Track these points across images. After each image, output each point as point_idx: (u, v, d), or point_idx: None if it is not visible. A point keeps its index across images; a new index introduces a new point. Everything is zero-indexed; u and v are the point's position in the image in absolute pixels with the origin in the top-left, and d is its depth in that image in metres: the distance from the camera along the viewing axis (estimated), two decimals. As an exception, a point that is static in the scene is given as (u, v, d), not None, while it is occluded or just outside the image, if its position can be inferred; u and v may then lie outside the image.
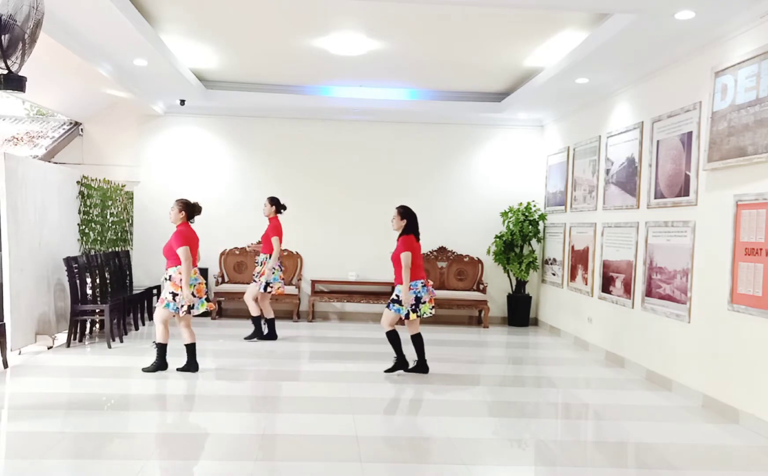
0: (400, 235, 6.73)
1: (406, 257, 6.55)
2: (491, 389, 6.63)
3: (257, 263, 8.58)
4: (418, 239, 6.74)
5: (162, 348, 6.62)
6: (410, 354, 6.97)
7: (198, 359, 6.76)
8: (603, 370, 7.48)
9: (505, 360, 8.31)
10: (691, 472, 4.44)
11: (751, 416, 5.33)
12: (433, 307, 6.77)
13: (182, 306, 6.45)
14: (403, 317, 6.67)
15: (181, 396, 5.94)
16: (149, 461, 4.26)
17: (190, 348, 6.66)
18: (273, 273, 8.37)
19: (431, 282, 6.99)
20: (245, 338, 8.54)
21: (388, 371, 6.90)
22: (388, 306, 6.72)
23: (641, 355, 7.18)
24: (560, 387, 6.82)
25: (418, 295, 6.62)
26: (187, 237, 6.50)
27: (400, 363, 6.88)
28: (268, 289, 8.36)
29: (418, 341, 6.86)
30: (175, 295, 6.46)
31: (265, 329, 8.62)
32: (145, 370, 6.60)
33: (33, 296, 7.41)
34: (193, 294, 6.47)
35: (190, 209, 6.70)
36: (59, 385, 6.23)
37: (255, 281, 8.45)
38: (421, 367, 6.91)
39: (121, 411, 5.52)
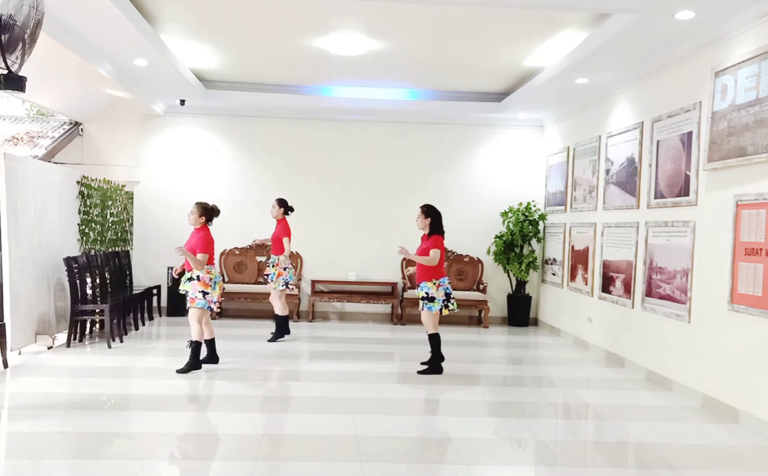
0: (430, 234, 6.88)
1: (435, 253, 6.73)
2: (491, 389, 6.63)
3: (269, 264, 8.63)
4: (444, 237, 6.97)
5: (210, 343, 6.88)
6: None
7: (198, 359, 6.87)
8: (603, 370, 7.48)
9: (505, 359, 8.31)
10: (691, 472, 4.44)
11: (751, 416, 5.33)
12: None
13: (215, 302, 6.74)
14: (422, 310, 6.90)
15: (181, 396, 5.94)
16: (149, 461, 4.26)
17: (211, 343, 6.88)
18: (289, 272, 8.48)
19: None
20: (272, 340, 8.63)
21: (421, 373, 6.93)
22: (423, 307, 6.81)
23: (641, 355, 7.18)
24: (560, 387, 6.82)
25: (448, 291, 6.84)
26: (208, 243, 6.70)
27: (437, 367, 6.94)
28: (289, 288, 8.52)
29: (434, 340, 6.96)
30: (205, 293, 6.62)
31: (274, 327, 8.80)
32: (204, 362, 6.80)
33: (33, 296, 7.41)
34: (204, 293, 6.67)
35: (209, 213, 6.87)
36: (59, 385, 6.23)
37: (270, 282, 8.53)
38: (431, 365, 7.01)
39: (121, 411, 5.52)
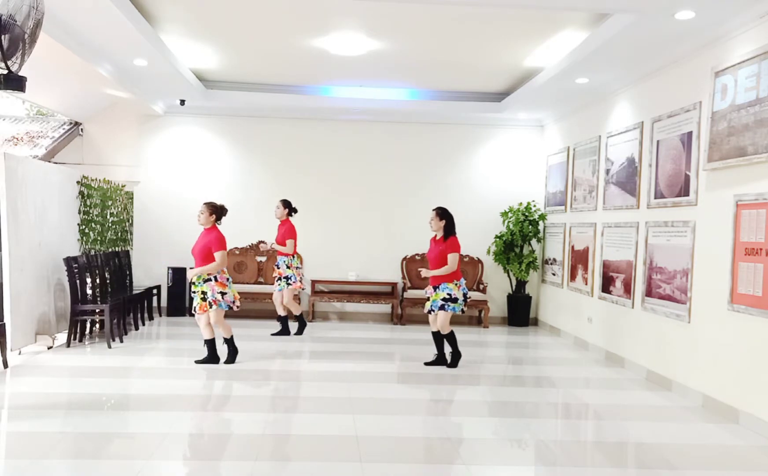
0: (446, 237, 6.95)
1: (453, 258, 6.83)
2: (491, 389, 6.63)
3: (277, 266, 8.74)
4: None
5: (229, 341, 7.00)
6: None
7: (199, 359, 6.95)
8: (603, 370, 7.48)
9: (505, 359, 8.31)
10: (691, 472, 4.44)
11: (751, 416, 5.33)
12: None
13: (227, 300, 6.84)
14: (431, 312, 7.05)
15: (181, 397, 5.94)
16: (149, 461, 4.26)
17: (211, 343, 6.95)
18: (300, 271, 8.67)
19: None
20: (272, 334, 8.82)
21: (450, 366, 7.11)
22: (443, 308, 6.89)
23: (641, 355, 7.18)
24: (560, 387, 6.82)
25: (465, 291, 6.97)
26: (222, 241, 6.81)
27: (456, 357, 7.11)
28: (290, 283, 8.60)
29: (451, 338, 7.10)
30: (223, 294, 6.75)
31: (295, 327, 9.00)
32: (226, 363, 6.96)
33: (33, 296, 7.41)
34: (222, 294, 6.80)
35: (219, 211, 6.97)
36: (59, 385, 6.23)
37: (298, 283, 8.71)
38: (454, 360, 7.15)
39: (121, 411, 5.52)
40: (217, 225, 6.93)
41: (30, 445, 4.51)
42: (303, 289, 8.98)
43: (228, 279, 6.88)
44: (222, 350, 7.08)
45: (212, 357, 6.93)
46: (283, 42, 7.61)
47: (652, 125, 7.10)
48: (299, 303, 9.01)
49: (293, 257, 8.64)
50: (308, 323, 10.16)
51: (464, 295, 6.97)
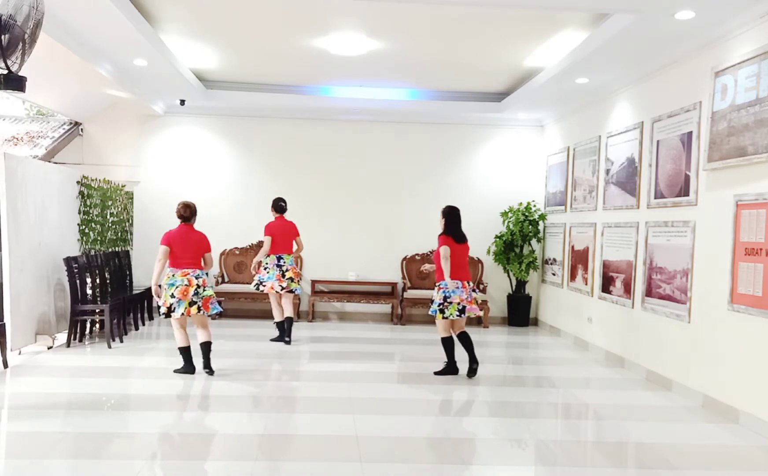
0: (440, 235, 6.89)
1: (441, 251, 6.68)
2: (491, 389, 6.62)
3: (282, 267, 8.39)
4: (458, 240, 6.75)
5: (183, 351, 6.66)
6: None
7: (198, 359, 6.81)
8: (603, 370, 7.48)
9: (505, 360, 8.31)
10: (691, 472, 4.44)
11: (751, 416, 5.33)
12: (463, 309, 6.64)
13: (158, 307, 6.56)
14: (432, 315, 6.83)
15: (181, 397, 5.94)
16: (149, 461, 4.26)
17: (181, 350, 6.65)
18: (267, 272, 8.21)
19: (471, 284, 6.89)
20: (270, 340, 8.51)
21: (437, 373, 6.90)
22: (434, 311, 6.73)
23: (641, 355, 7.18)
24: (560, 387, 6.82)
25: (446, 294, 6.59)
26: (167, 237, 6.56)
27: (451, 368, 6.89)
28: (260, 288, 8.23)
29: (446, 344, 6.85)
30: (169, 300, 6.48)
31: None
32: (176, 371, 6.64)
33: (33, 296, 7.41)
34: (172, 295, 6.43)
35: (181, 213, 6.70)
36: (59, 385, 6.23)
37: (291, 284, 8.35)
38: (451, 368, 6.91)
39: (121, 411, 5.52)
40: (185, 224, 6.66)
41: (30, 445, 4.51)
42: (270, 290, 8.20)
43: (167, 284, 6.45)
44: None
45: (205, 359, 6.78)
46: (283, 42, 7.61)
47: (652, 125, 7.10)
48: (291, 307, 8.40)
49: (287, 256, 8.25)
50: (309, 323, 10.19)
51: (444, 298, 6.57)
